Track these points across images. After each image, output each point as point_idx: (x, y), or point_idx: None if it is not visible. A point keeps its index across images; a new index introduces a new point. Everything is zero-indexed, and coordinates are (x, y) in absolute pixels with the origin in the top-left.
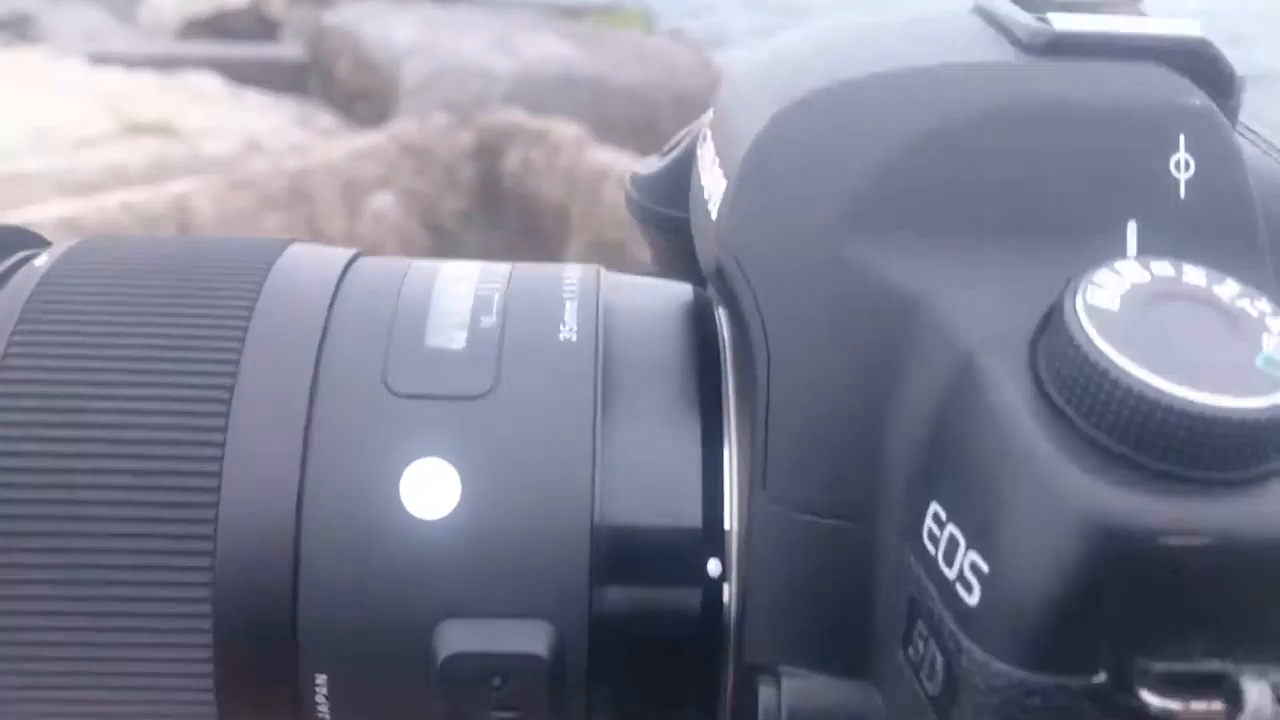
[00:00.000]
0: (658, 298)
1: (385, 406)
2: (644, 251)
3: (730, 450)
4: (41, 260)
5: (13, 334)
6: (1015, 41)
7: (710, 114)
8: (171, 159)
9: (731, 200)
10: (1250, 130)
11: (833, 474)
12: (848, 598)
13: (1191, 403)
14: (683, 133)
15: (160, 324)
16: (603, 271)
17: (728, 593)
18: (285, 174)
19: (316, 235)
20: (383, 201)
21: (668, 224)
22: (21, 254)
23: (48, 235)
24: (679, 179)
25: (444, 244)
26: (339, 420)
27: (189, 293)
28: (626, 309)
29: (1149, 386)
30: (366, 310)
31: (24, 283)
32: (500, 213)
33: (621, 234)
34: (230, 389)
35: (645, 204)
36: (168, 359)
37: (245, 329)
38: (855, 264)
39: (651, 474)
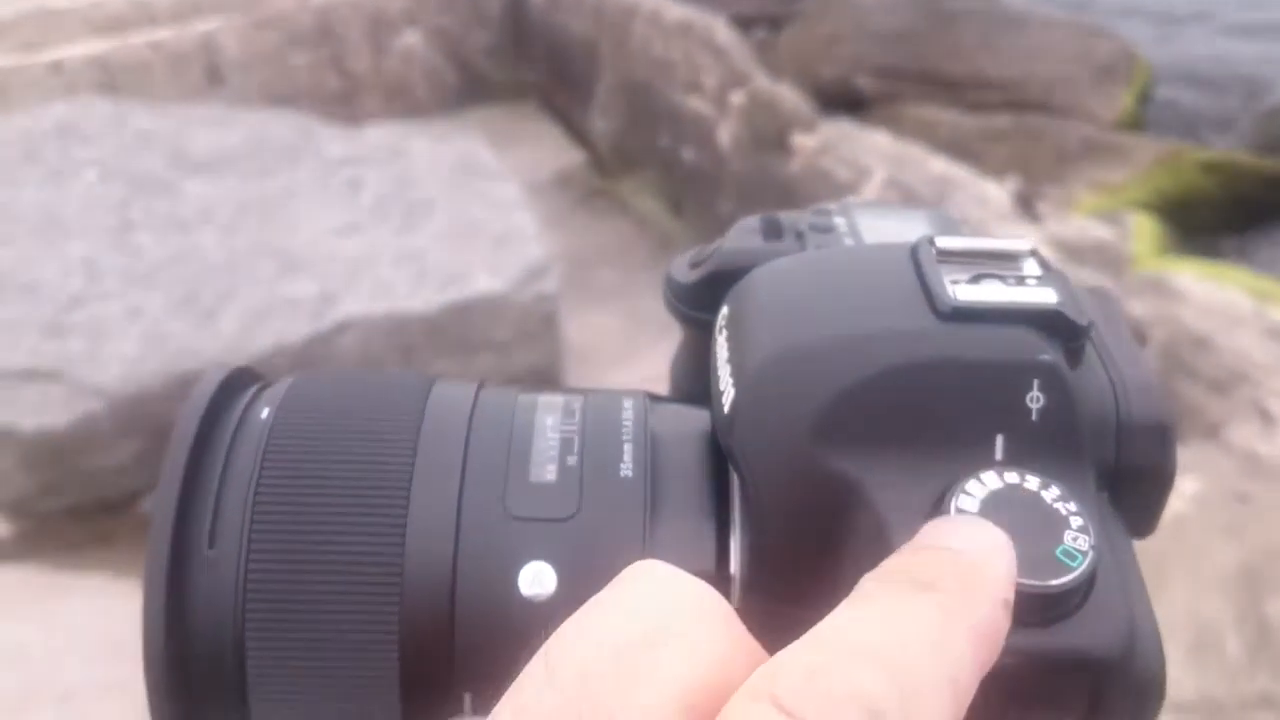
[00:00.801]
0: (690, 429)
1: (506, 525)
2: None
3: (735, 553)
4: (265, 413)
5: (261, 472)
6: (930, 306)
7: (728, 312)
8: None
9: (733, 411)
10: (1099, 336)
11: (802, 586)
12: None
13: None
14: (710, 249)
15: (356, 466)
16: (650, 404)
17: None
18: (310, 11)
19: (344, 75)
20: (410, 39)
21: (698, 323)
22: (246, 397)
23: (78, 72)
24: (711, 290)
25: (473, 83)
26: (477, 534)
27: (370, 441)
28: (668, 443)
29: None
30: (490, 449)
31: (258, 432)
32: (528, 49)
33: (649, 73)
34: (406, 510)
35: (682, 308)
36: (365, 493)
37: (411, 466)
38: (814, 459)
39: (682, 565)
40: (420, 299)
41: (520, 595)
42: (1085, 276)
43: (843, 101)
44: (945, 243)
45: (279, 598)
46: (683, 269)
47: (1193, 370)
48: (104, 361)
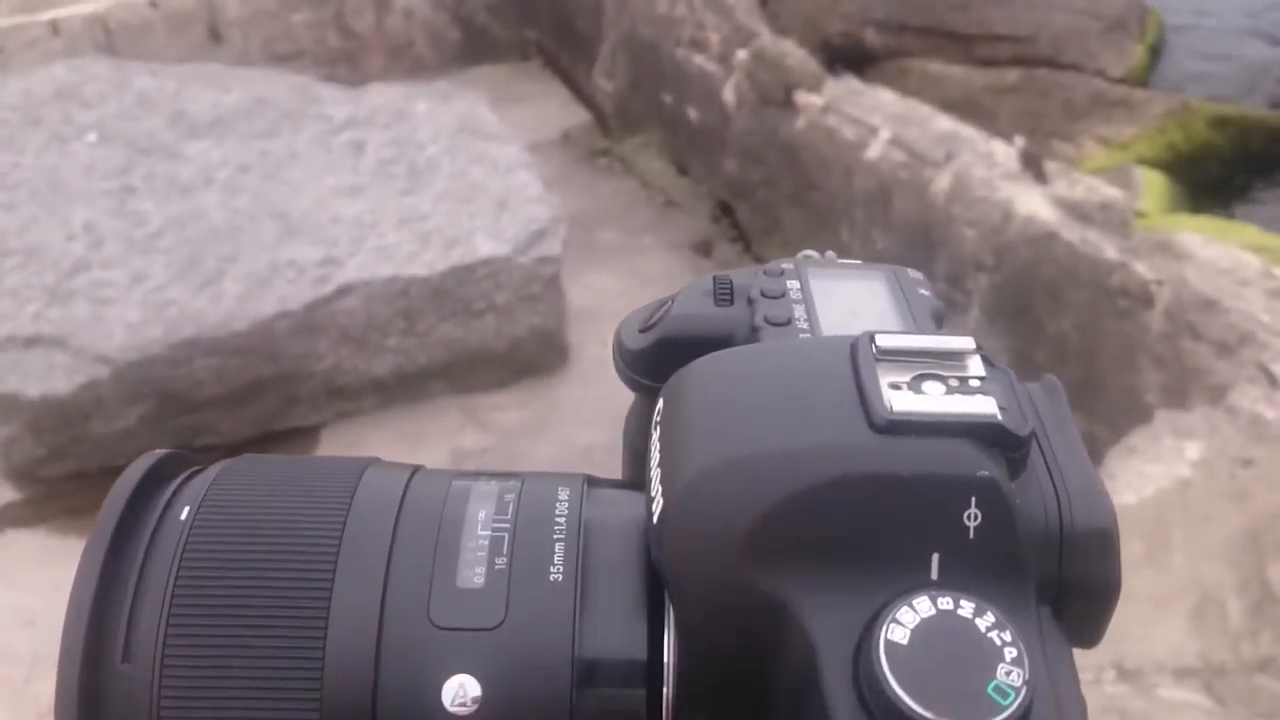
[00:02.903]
0: (627, 518)
1: (430, 636)
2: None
3: (668, 668)
4: (185, 513)
5: (176, 581)
6: (866, 417)
7: (661, 412)
8: None
9: (660, 525)
10: (1044, 435)
11: (733, 706)
12: None
13: None
14: (659, 313)
15: (275, 574)
16: (588, 490)
17: None
18: None
19: (346, 33)
20: None
21: (646, 389)
22: (169, 490)
23: (78, 33)
24: (659, 357)
25: (476, 41)
26: (399, 646)
27: (291, 543)
28: (602, 538)
29: (915, 712)
30: (416, 548)
31: (176, 534)
32: (531, 7)
33: (654, 31)
34: (324, 625)
35: (630, 373)
36: (283, 608)
37: (333, 575)
38: (742, 578)
39: (612, 679)
40: (423, 262)
41: (444, 710)
42: (1092, 238)
43: (849, 57)
44: (886, 341)
45: (193, 714)
46: (632, 333)
47: (1199, 332)
48: (108, 327)
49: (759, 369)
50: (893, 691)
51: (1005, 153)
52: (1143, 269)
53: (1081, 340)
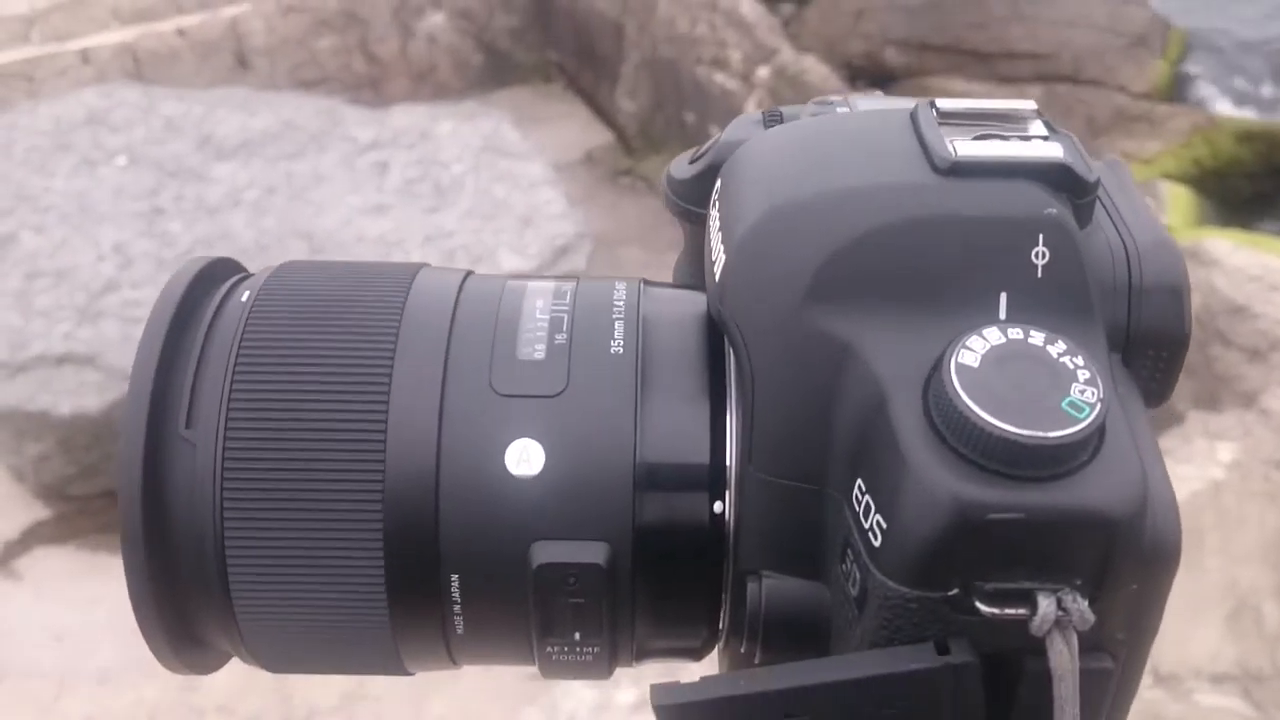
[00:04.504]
0: (683, 309)
1: (492, 403)
2: (694, 68)
3: (731, 434)
4: (245, 296)
5: (239, 351)
6: (929, 162)
7: (720, 186)
8: None
9: (724, 276)
10: (1109, 200)
11: (796, 455)
12: (806, 531)
13: (1014, 433)
14: (708, 144)
15: (337, 344)
16: (644, 287)
17: (728, 525)
18: None
19: (371, 59)
20: (435, 22)
21: (697, 218)
22: (227, 285)
23: (107, 61)
24: (705, 183)
25: (498, 64)
26: (461, 412)
27: (352, 321)
28: (660, 322)
29: (988, 422)
30: (475, 328)
31: (237, 314)
32: (553, 30)
33: (675, 51)
34: (388, 389)
35: (679, 202)
36: (346, 372)
37: (394, 347)
38: (807, 321)
39: (676, 448)
40: None
41: (507, 473)
42: None
43: (870, 75)
44: (947, 104)
45: (257, 477)
46: (681, 165)
47: (1229, 338)
48: (137, 346)
49: (819, 132)
50: (966, 407)
51: None
52: None
53: None
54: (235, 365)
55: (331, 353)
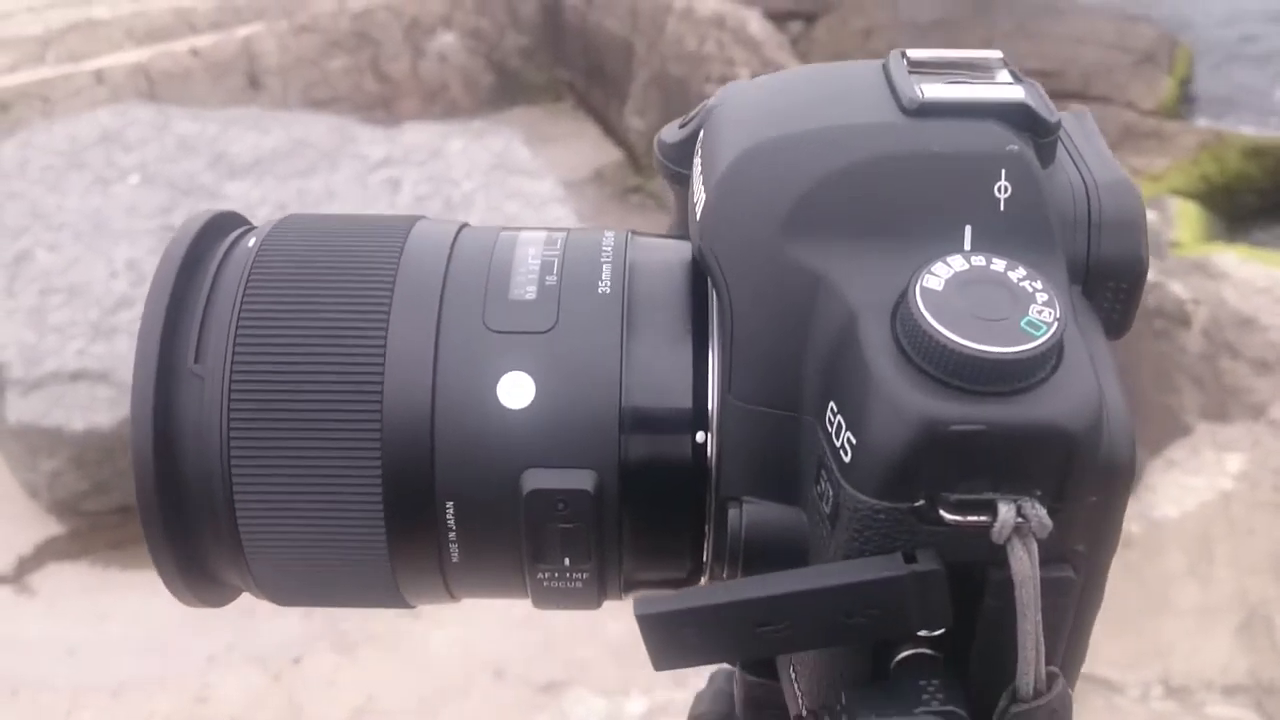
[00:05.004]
0: (668, 256)
1: (485, 339)
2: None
3: (712, 366)
4: (252, 242)
5: (246, 290)
6: (898, 104)
7: (702, 135)
8: (236, 1)
9: (704, 214)
10: (1072, 144)
11: (774, 383)
12: (784, 457)
13: (975, 349)
14: (697, 109)
15: (338, 286)
16: (631, 236)
17: (709, 453)
18: (348, 15)
19: (382, 78)
20: (445, 41)
21: (685, 180)
22: (235, 233)
23: (121, 82)
24: (694, 146)
25: (509, 83)
26: (456, 347)
27: (353, 265)
28: (645, 266)
29: (950, 339)
30: (470, 272)
31: (244, 257)
32: (563, 49)
33: (683, 69)
34: (386, 325)
35: (669, 165)
36: (347, 310)
37: (392, 288)
38: (783, 254)
39: (659, 380)
40: None
41: (500, 405)
42: None
43: None
44: (917, 54)
45: (263, 407)
46: (672, 130)
47: (1238, 350)
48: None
49: (795, 80)
50: (930, 326)
51: None
52: (1179, 289)
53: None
54: (242, 303)
55: (333, 292)
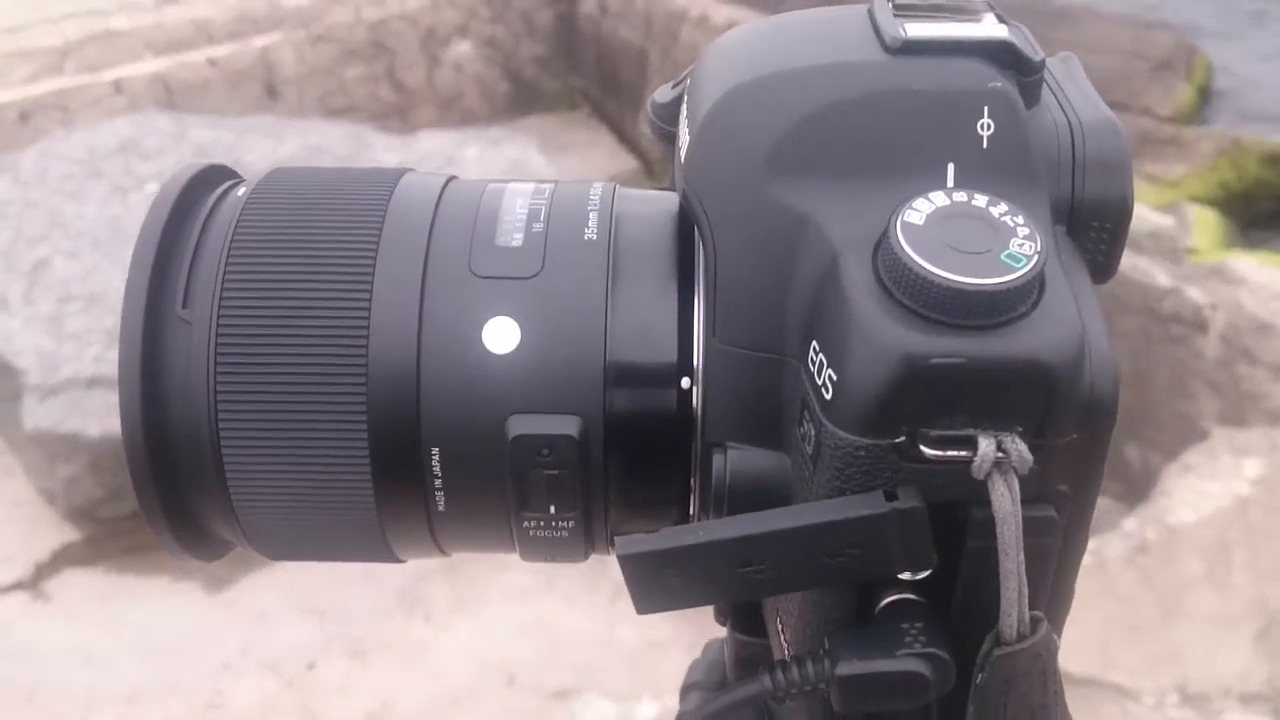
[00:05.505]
0: (655, 206)
1: (470, 284)
2: None
3: (698, 309)
4: (241, 191)
5: (234, 237)
6: (881, 43)
7: (688, 83)
8: (253, 12)
9: (689, 153)
10: (1058, 85)
11: (757, 325)
12: (769, 400)
13: (954, 281)
14: (688, 70)
15: (326, 232)
16: (619, 188)
17: (694, 399)
18: (365, 25)
19: (398, 88)
20: (461, 50)
21: (675, 139)
22: (225, 185)
23: (139, 92)
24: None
25: (524, 92)
26: (441, 292)
27: (341, 212)
28: (632, 215)
29: (930, 272)
30: (457, 220)
31: (233, 206)
32: (578, 58)
33: None
34: (372, 270)
35: (661, 124)
36: (334, 255)
37: (379, 235)
38: (768, 195)
39: (644, 325)
40: None
41: (485, 349)
42: (1142, 264)
43: None
44: None
45: (249, 352)
46: (664, 91)
47: (1255, 356)
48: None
49: (780, 23)
50: (909, 259)
51: None
52: (1195, 294)
53: (1134, 368)
54: (230, 250)
55: (320, 239)
